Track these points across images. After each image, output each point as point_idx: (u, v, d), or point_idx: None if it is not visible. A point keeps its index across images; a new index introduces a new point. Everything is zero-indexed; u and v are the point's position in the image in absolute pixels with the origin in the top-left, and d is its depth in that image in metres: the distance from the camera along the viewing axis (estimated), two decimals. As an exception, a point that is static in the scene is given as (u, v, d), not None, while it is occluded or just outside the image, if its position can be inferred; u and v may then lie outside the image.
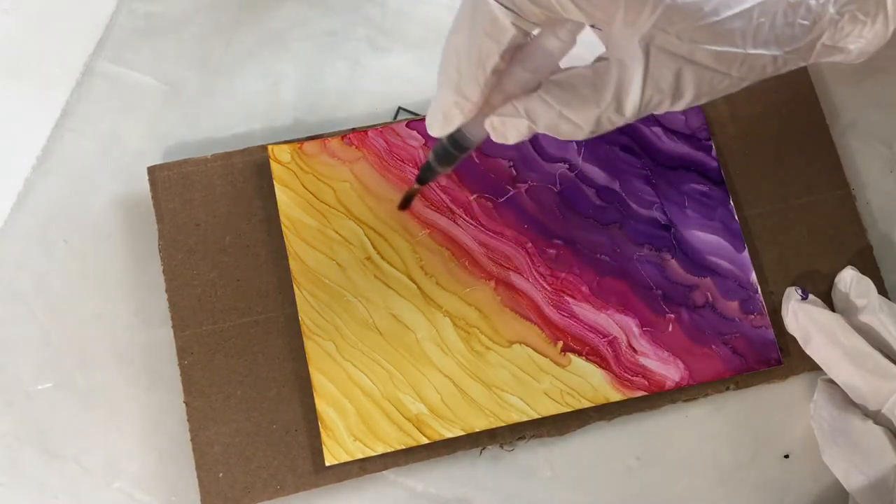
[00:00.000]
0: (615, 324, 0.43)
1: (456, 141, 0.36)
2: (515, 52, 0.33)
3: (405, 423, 0.42)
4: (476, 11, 0.31)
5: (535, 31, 0.33)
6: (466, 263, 0.44)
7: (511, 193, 0.45)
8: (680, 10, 0.30)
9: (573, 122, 0.33)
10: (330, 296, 0.43)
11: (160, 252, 0.44)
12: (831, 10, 0.33)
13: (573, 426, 0.43)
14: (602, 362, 0.43)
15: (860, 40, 0.35)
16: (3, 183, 0.46)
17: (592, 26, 0.33)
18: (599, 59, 0.34)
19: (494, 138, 0.35)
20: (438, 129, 0.35)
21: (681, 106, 0.34)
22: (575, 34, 0.33)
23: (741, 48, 0.32)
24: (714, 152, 0.46)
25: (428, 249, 0.44)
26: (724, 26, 0.31)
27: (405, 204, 0.43)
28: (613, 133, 0.45)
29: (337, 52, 0.49)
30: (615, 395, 0.42)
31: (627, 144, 0.46)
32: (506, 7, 0.31)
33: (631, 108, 0.33)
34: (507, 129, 0.34)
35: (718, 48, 0.32)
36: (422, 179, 0.39)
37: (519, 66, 0.33)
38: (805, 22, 0.33)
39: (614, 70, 0.32)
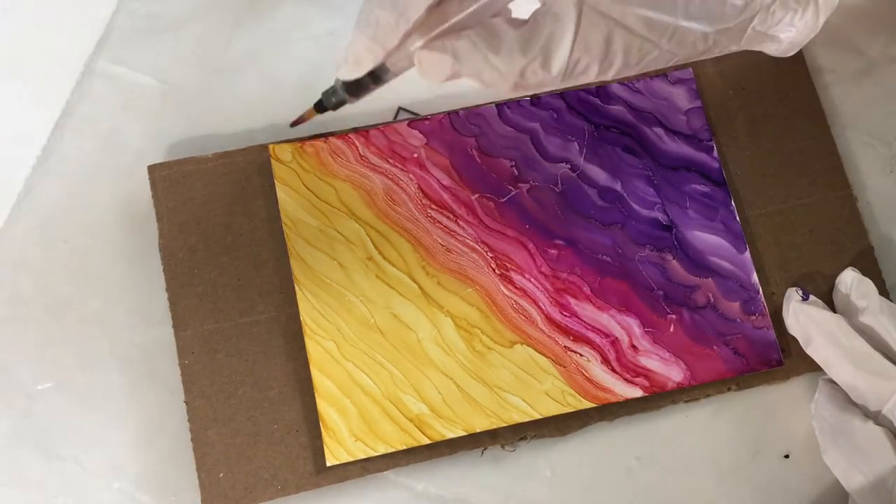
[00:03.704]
0: (617, 324, 0.43)
1: (373, 73, 0.35)
2: None
3: (406, 424, 0.42)
4: None
5: None
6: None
7: (513, 193, 0.45)
8: None
9: (498, 70, 0.33)
10: (331, 295, 0.43)
11: (160, 251, 0.44)
12: None
13: (574, 426, 0.43)
14: (604, 363, 0.43)
15: (791, 29, 0.36)
16: (3, 183, 0.46)
17: None
18: (536, 12, 0.33)
19: (419, 73, 0.34)
20: (347, 70, 0.34)
21: (609, 74, 0.34)
22: None
23: (672, 17, 0.33)
24: (716, 153, 0.46)
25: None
26: None
27: (296, 123, 0.41)
28: (615, 134, 0.46)
29: (337, 52, 0.49)
30: (616, 395, 0.42)
31: (629, 145, 0.46)
32: None
33: (558, 65, 0.33)
34: (432, 66, 0.34)
35: (650, 13, 0.32)
36: (322, 105, 0.38)
37: (458, 5, 0.33)
38: (737, 2, 0.34)
39: (547, 24, 0.32)
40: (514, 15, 0.34)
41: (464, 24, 0.33)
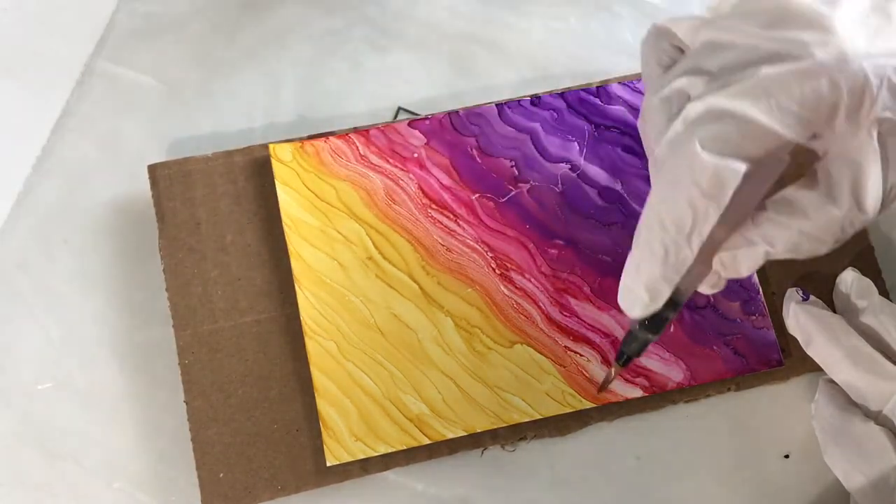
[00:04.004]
0: (617, 324, 0.43)
1: (669, 301, 0.32)
2: None
3: (406, 424, 0.42)
4: (690, 170, 0.28)
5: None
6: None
7: (513, 193, 0.45)
8: None
9: (815, 237, 0.31)
10: (331, 295, 0.43)
11: (161, 251, 0.44)
12: None
13: (574, 426, 0.43)
14: (604, 363, 0.43)
15: None
16: (3, 183, 0.46)
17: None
18: (822, 162, 0.31)
19: (725, 274, 0.33)
20: (642, 308, 0.32)
21: None
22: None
23: None
24: (715, 153, 0.46)
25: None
26: None
27: (604, 387, 0.41)
28: (615, 134, 0.46)
29: (337, 52, 0.49)
30: (616, 395, 0.42)
31: (629, 145, 0.46)
32: (726, 157, 0.28)
33: (872, 203, 0.30)
34: (740, 264, 0.32)
35: None
36: (628, 355, 0.36)
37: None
38: None
39: (842, 168, 0.30)
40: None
41: (746, 211, 0.31)
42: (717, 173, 0.28)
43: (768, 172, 0.30)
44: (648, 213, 0.31)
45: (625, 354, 0.37)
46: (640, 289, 0.32)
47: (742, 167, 0.28)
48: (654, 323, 0.34)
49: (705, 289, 0.34)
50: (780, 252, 0.31)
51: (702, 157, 0.28)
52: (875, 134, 0.29)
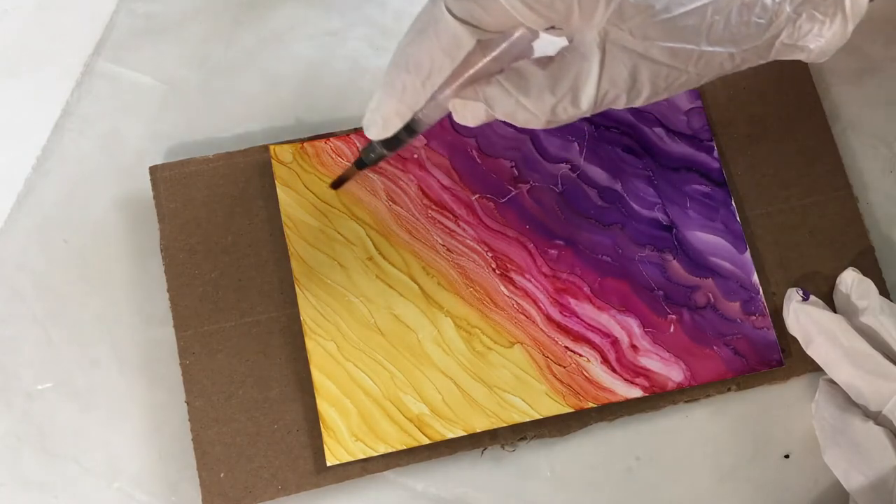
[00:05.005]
0: (617, 324, 0.43)
1: (407, 125, 0.36)
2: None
3: (406, 424, 0.42)
4: (435, 27, 0.32)
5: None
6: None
7: (513, 194, 0.45)
8: (632, 6, 0.31)
9: (529, 111, 0.33)
10: (331, 296, 0.43)
11: (161, 252, 0.44)
12: (788, 8, 0.34)
13: (574, 426, 0.43)
14: (604, 363, 0.43)
15: (820, 39, 0.35)
16: (3, 183, 0.46)
17: (549, 28, 0.33)
18: (562, 50, 0.34)
19: (455, 119, 0.35)
20: (377, 132, 0.35)
21: (639, 101, 0.34)
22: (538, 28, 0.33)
23: (696, 45, 0.33)
24: (716, 153, 0.46)
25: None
26: (678, 23, 0.32)
27: (338, 184, 0.42)
28: (615, 134, 0.46)
29: (337, 52, 0.49)
30: (616, 395, 0.42)
31: (629, 145, 0.46)
32: (466, 23, 0.31)
33: (586, 102, 0.33)
34: (467, 112, 0.35)
35: (673, 44, 0.32)
36: (361, 162, 0.38)
37: (481, 53, 0.34)
38: (761, 20, 0.33)
39: (573, 62, 0.33)
40: (537, 54, 0.35)
41: (488, 70, 0.34)
42: (455, 35, 0.31)
43: (512, 46, 0.34)
44: (398, 51, 0.33)
45: (362, 161, 0.38)
46: (377, 116, 0.34)
47: (473, 38, 0.32)
48: (390, 142, 0.37)
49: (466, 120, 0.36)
50: (499, 115, 0.34)
51: (446, 17, 0.31)
52: (602, 40, 0.32)
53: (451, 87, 0.34)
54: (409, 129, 0.36)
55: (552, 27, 0.33)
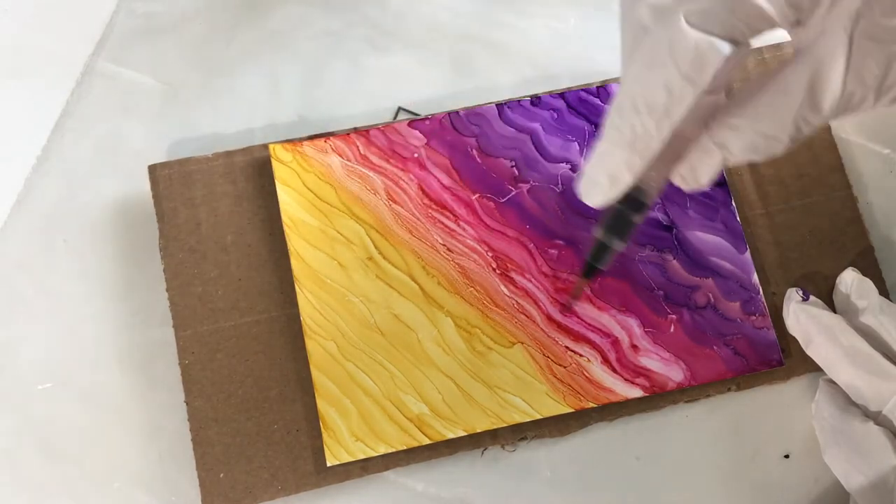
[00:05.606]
0: (617, 324, 0.43)
1: (633, 199, 0.31)
2: None
3: (406, 424, 0.42)
4: (670, 50, 0.27)
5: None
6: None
7: (513, 193, 0.45)
8: None
9: (770, 136, 0.29)
10: (331, 295, 0.43)
11: (161, 251, 0.44)
12: None
13: (574, 426, 0.43)
14: (604, 363, 0.43)
15: None
16: (3, 183, 0.46)
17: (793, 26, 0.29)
18: (796, 53, 0.29)
19: (684, 188, 0.32)
20: (601, 195, 0.31)
21: (884, 102, 0.29)
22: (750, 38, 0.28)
23: None
24: (715, 153, 0.46)
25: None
26: None
27: (572, 302, 0.40)
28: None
29: (337, 52, 0.49)
30: (616, 395, 0.42)
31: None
32: (710, 33, 0.26)
33: (829, 102, 0.28)
34: (700, 173, 0.31)
35: None
36: (593, 265, 0.35)
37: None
38: None
39: (806, 65, 0.28)
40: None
41: (701, 115, 0.30)
42: (700, 52, 0.27)
43: (726, 65, 0.28)
44: (620, 96, 0.29)
45: (591, 266, 0.36)
46: (601, 174, 0.30)
47: (727, 47, 0.26)
48: (619, 225, 0.33)
49: (680, 182, 0.32)
50: (738, 155, 0.30)
51: (686, 31, 0.26)
52: (848, 32, 0.27)
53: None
54: (636, 202, 0.31)
55: (797, 22, 0.28)
